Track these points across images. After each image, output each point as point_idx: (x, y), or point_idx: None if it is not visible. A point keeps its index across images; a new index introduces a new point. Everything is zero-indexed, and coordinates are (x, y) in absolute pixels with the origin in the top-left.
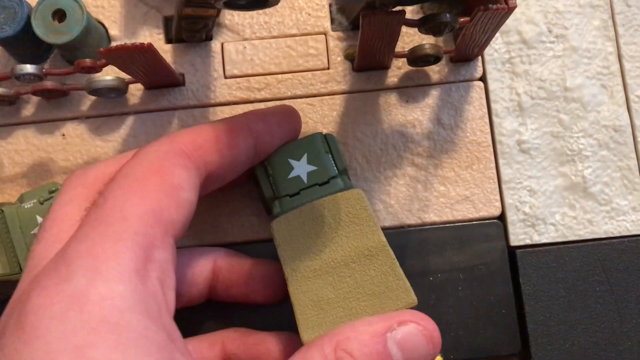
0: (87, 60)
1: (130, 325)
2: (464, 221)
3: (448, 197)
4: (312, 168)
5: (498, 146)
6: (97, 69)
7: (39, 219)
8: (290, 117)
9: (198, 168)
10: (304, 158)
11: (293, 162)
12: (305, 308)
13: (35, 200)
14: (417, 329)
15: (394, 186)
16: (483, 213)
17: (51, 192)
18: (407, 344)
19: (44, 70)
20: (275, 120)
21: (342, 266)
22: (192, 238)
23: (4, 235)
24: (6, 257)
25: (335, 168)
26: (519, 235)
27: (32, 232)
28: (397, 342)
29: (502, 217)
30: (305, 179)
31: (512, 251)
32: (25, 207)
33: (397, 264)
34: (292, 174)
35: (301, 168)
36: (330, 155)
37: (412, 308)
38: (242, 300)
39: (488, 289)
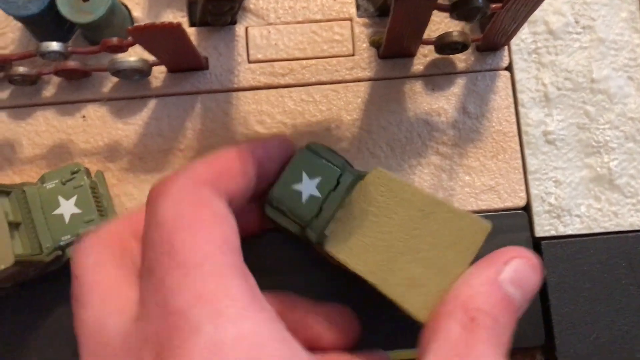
0: (114, 39)
1: (275, 355)
2: (489, 211)
3: (473, 186)
4: (317, 180)
5: (524, 136)
6: (124, 48)
7: (61, 200)
8: (286, 143)
9: (222, 195)
10: (304, 176)
11: (297, 186)
12: (405, 296)
13: (57, 181)
14: (523, 262)
15: (419, 175)
16: (508, 203)
17: (73, 172)
18: (519, 279)
19: (69, 48)
20: (273, 146)
21: (410, 239)
22: None
23: (25, 215)
24: (27, 237)
25: (336, 167)
26: (544, 227)
27: (54, 213)
28: (510, 281)
29: (527, 208)
30: (317, 193)
31: (536, 242)
32: (47, 187)
33: (451, 204)
34: (304, 197)
35: (308, 186)
36: (324, 160)
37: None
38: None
39: None
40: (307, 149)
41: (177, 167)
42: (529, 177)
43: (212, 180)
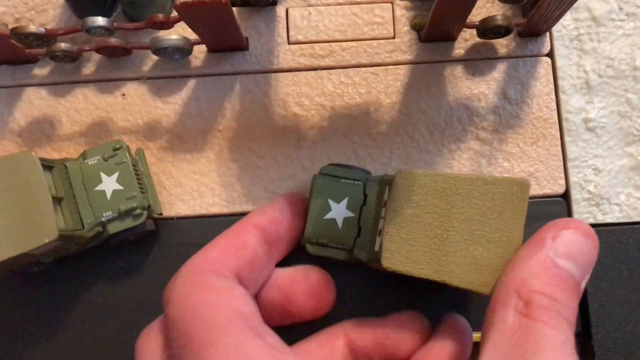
0: (160, 15)
1: None
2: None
3: (512, 173)
4: (344, 202)
5: (564, 123)
6: (169, 24)
7: (103, 176)
8: (294, 201)
9: (226, 273)
10: (331, 203)
11: (329, 215)
12: (478, 281)
13: (99, 157)
14: (571, 233)
15: (458, 160)
16: (547, 190)
17: (115, 149)
18: (572, 251)
19: (115, 24)
20: (276, 209)
21: (458, 225)
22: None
23: (67, 191)
24: (69, 212)
25: (357, 182)
26: (582, 214)
27: (95, 189)
28: (563, 255)
29: (566, 195)
30: (350, 213)
31: None
32: (89, 163)
33: (483, 175)
34: (340, 222)
35: (339, 211)
36: (342, 180)
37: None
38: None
39: None
40: (322, 176)
41: (216, 147)
42: (569, 164)
43: (216, 269)
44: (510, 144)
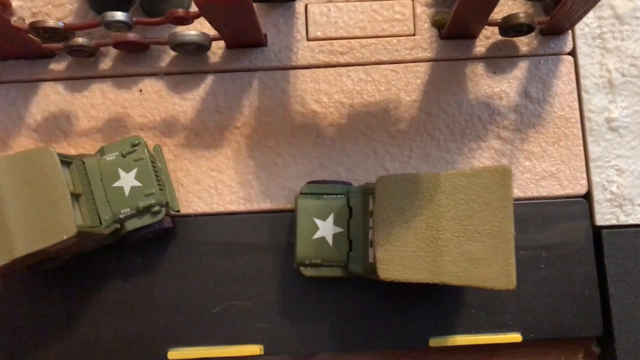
0: (180, 10)
1: None
2: (549, 198)
3: (533, 172)
4: (330, 218)
5: (586, 123)
6: (189, 20)
7: (121, 172)
8: None
9: None
10: (317, 222)
11: (317, 234)
12: (479, 277)
13: (117, 153)
14: None
15: (478, 159)
16: (569, 191)
17: (134, 145)
18: None
19: (134, 19)
20: None
21: (448, 223)
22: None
23: (85, 187)
24: (87, 209)
25: (340, 196)
26: (604, 215)
27: (113, 185)
28: None
29: (588, 196)
30: (339, 228)
31: (597, 231)
32: (107, 159)
33: (462, 169)
34: (329, 239)
35: (326, 228)
36: (324, 196)
37: None
38: None
39: (571, 269)
40: (303, 196)
41: (234, 144)
42: (591, 164)
43: None
44: (532, 143)
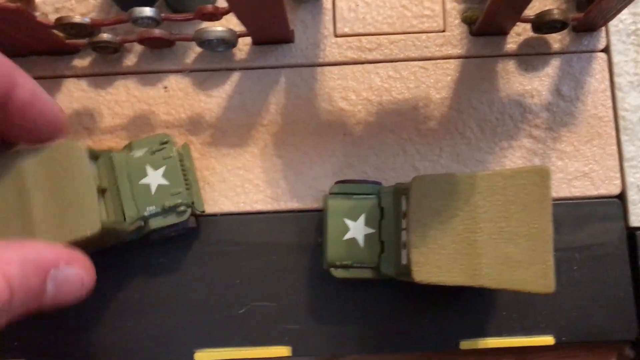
0: (209, 6)
1: None
2: (582, 198)
3: (566, 172)
4: (362, 219)
5: (620, 122)
6: (218, 16)
7: (149, 170)
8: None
9: None
10: (348, 222)
11: (348, 235)
12: (517, 280)
13: (146, 150)
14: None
15: (510, 158)
16: (602, 191)
17: (162, 143)
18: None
19: (162, 15)
20: None
21: (485, 225)
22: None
23: (111, 182)
24: (112, 204)
25: (371, 196)
26: (639, 216)
27: (140, 182)
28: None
29: (622, 196)
30: (370, 229)
31: (631, 232)
32: (135, 155)
33: (496, 169)
34: (360, 240)
35: (357, 229)
36: (354, 196)
37: None
38: None
39: (604, 271)
40: (333, 196)
41: (260, 143)
42: (625, 164)
43: None
44: (564, 143)
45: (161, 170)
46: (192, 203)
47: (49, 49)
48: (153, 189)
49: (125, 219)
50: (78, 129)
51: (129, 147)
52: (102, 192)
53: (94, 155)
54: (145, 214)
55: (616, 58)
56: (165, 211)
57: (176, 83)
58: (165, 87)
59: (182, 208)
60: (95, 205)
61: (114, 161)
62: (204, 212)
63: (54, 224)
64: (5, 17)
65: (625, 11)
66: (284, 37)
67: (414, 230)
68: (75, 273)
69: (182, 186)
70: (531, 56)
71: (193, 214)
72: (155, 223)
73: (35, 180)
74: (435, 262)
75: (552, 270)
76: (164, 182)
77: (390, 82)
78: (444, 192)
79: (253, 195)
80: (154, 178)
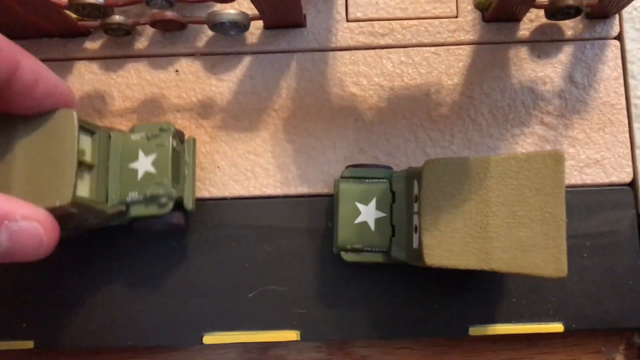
0: None
1: None
2: (593, 186)
3: (577, 159)
4: (373, 203)
5: (633, 109)
6: None
7: (140, 154)
8: None
9: None
10: (359, 206)
11: (359, 219)
12: (529, 264)
13: (143, 134)
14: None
15: (521, 145)
16: (613, 178)
17: (162, 130)
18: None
19: None
20: None
21: (497, 209)
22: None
23: (103, 160)
24: (97, 183)
25: (382, 180)
26: None
27: (129, 166)
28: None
29: (633, 184)
30: (381, 213)
31: None
32: (132, 138)
33: (510, 153)
34: (372, 224)
35: (369, 213)
36: (366, 180)
37: None
38: None
39: (615, 259)
40: (345, 179)
41: (271, 127)
42: (637, 152)
43: None
44: (576, 130)
45: (151, 157)
46: (180, 198)
47: (61, 30)
48: (140, 174)
49: (107, 199)
50: (89, 112)
51: (131, 130)
52: (89, 167)
53: (90, 130)
54: (128, 199)
55: (629, 45)
56: (147, 200)
57: (187, 66)
58: (177, 71)
59: (163, 200)
60: (72, 178)
61: (112, 140)
62: (193, 211)
63: (29, 188)
64: None
65: None
66: (296, 21)
67: (426, 213)
68: (33, 227)
69: (168, 177)
70: (544, 43)
71: (183, 211)
72: (136, 211)
73: (24, 142)
74: (447, 246)
75: (564, 254)
76: (151, 169)
77: (402, 68)
78: (457, 175)
79: (263, 180)
80: (143, 164)
